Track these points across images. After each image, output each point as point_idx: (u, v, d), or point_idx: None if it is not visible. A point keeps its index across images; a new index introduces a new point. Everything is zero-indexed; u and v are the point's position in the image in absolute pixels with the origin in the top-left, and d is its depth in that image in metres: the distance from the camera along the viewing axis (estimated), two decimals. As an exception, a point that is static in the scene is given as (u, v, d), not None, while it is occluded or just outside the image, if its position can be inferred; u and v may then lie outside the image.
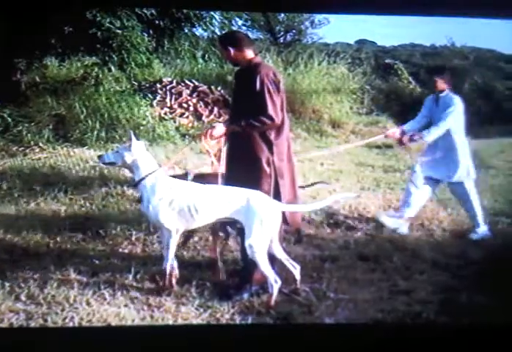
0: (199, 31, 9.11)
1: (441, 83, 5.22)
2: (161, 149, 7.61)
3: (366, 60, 11.43)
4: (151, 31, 8.32)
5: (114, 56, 8.04)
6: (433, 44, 13.79)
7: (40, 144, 7.27)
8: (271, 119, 3.82)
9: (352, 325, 3.71)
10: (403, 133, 5.28)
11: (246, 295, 3.94)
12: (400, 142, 5.26)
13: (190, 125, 8.90)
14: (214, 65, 10.11)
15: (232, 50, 3.94)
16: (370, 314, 3.78)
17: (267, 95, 3.81)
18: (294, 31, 12.71)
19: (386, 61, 12.64)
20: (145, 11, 7.86)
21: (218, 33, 9.07)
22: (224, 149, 4.08)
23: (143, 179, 3.89)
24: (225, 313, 3.74)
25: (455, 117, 5.13)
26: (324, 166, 7.16)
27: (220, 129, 3.92)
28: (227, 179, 3.98)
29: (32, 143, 7.31)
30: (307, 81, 9.46)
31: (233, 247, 4.61)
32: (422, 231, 5.25)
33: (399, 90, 11.52)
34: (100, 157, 4.14)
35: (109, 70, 8.38)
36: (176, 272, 3.98)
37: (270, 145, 3.91)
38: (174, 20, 8.38)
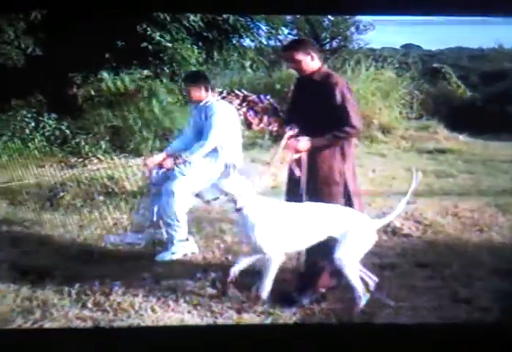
0: (246, 42, 9.21)
1: (195, 92, 4.77)
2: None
3: (413, 64, 11.41)
4: (200, 44, 8.47)
5: (165, 68, 8.24)
6: (480, 47, 13.68)
7: (98, 155, 7.50)
8: (356, 128, 3.83)
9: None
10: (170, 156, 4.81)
11: (306, 301, 3.95)
12: (160, 167, 4.81)
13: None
14: (262, 74, 10.22)
15: (302, 58, 3.85)
16: (430, 321, 3.78)
17: (349, 105, 3.81)
18: (340, 37, 12.75)
19: (434, 65, 12.58)
20: (193, 24, 8.02)
21: (265, 43, 9.24)
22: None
23: (243, 207, 3.79)
24: (287, 320, 3.78)
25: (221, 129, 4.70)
26: (376, 173, 7.17)
27: (305, 144, 3.84)
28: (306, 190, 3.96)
29: (90, 154, 7.58)
30: (355, 87, 9.47)
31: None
32: (481, 237, 5.22)
33: (448, 94, 11.44)
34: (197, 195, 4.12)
35: (161, 82, 8.57)
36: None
37: (343, 156, 3.93)
38: (222, 32, 8.53)
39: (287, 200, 4.02)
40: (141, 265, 4.51)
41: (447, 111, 10.52)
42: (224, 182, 3.81)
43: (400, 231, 5.26)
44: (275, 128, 9.08)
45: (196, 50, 8.28)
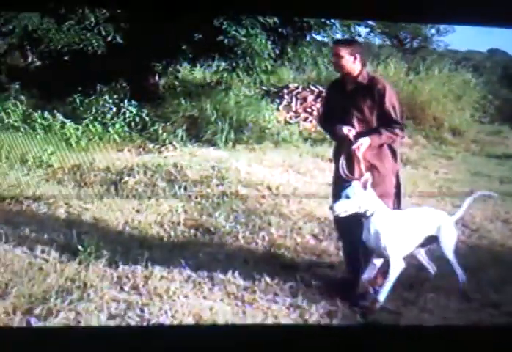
0: (321, 39, 9.31)
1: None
2: (284, 151, 7.94)
3: (492, 69, 11.17)
4: (275, 39, 8.63)
5: (240, 62, 8.45)
6: None
7: (174, 143, 7.82)
8: (403, 130, 4.08)
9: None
10: None
11: (365, 303, 4.06)
12: None
13: (313, 129, 9.18)
14: (335, 71, 10.27)
15: (345, 55, 3.97)
16: (453, 323, 3.87)
17: (397, 108, 4.02)
18: (420, 37, 12.65)
19: (514, 71, 12.28)
20: (268, 20, 8.20)
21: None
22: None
23: (371, 215, 3.92)
24: (313, 314, 3.91)
25: None
26: (438, 175, 7.16)
27: (366, 142, 3.96)
28: None
29: (167, 141, 7.88)
30: (428, 88, 9.43)
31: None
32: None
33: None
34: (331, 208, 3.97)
35: (237, 75, 8.80)
36: None
37: (395, 154, 4.15)
38: (297, 28, 8.66)
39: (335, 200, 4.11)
40: (185, 253, 4.69)
41: (524, 117, 10.28)
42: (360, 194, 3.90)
43: (444, 234, 5.28)
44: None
45: (269, 46, 8.44)
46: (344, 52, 3.98)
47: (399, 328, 3.87)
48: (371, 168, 4.01)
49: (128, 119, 8.18)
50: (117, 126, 7.99)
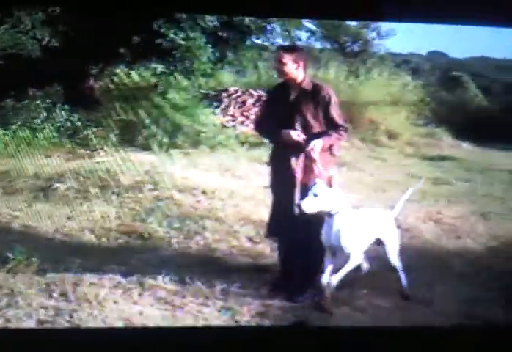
0: (261, 43, 9.30)
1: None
2: (220, 155, 7.88)
3: (430, 71, 11.40)
4: (215, 42, 8.59)
5: (178, 65, 8.38)
6: (505, 57, 13.56)
7: (106, 148, 7.64)
8: (347, 132, 4.19)
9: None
10: None
11: (301, 299, 4.12)
12: None
13: (249, 133, 9.15)
14: (276, 76, 10.29)
15: (288, 62, 4.00)
16: (385, 322, 3.89)
17: (341, 113, 4.13)
18: (361, 41, 12.81)
19: (453, 73, 12.52)
20: (208, 23, 8.16)
21: (281, 43, 9.35)
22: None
23: (335, 213, 3.95)
24: (244, 314, 3.89)
25: None
26: (374, 177, 7.22)
27: (319, 144, 4.02)
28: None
29: (98, 146, 7.70)
30: (367, 91, 9.52)
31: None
32: (457, 243, 5.28)
33: (464, 103, 11.40)
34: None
35: (175, 78, 8.71)
36: None
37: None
38: (237, 32, 8.64)
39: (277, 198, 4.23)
40: (117, 259, 4.61)
41: (459, 119, 10.47)
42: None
43: (377, 235, 5.33)
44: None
45: (209, 49, 8.39)
46: (287, 59, 4.01)
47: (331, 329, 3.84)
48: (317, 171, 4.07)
49: (58, 124, 8.00)
50: (47, 131, 7.80)
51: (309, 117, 4.07)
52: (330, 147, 4.13)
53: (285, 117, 4.11)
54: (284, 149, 4.11)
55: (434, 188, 7.03)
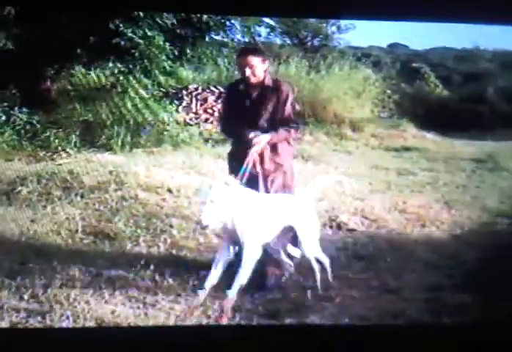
0: (220, 39, 9.26)
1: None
2: (184, 153, 7.83)
3: (391, 64, 11.49)
4: (173, 40, 8.53)
5: (137, 64, 8.31)
6: (464, 47, 13.77)
7: (67, 150, 7.56)
8: (298, 129, 4.23)
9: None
10: None
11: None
12: None
13: (214, 130, 9.14)
14: (237, 72, 10.27)
15: (258, 63, 4.05)
16: (354, 311, 3.90)
17: (295, 107, 4.21)
18: (321, 36, 12.86)
19: (413, 65, 12.65)
20: (166, 21, 8.10)
21: (241, 40, 9.35)
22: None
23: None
24: (215, 311, 3.87)
25: None
26: (338, 170, 7.25)
27: (266, 138, 4.08)
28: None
29: (59, 148, 7.62)
30: (329, 86, 9.56)
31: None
32: (422, 232, 5.35)
33: (424, 93, 11.52)
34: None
35: (134, 77, 8.63)
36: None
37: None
38: (196, 29, 8.60)
39: None
40: (85, 260, 4.57)
41: (421, 110, 10.61)
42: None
43: (345, 226, 5.39)
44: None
45: (168, 47, 8.33)
46: (256, 61, 4.06)
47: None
48: (276, 164, 4.16)
49: (17, 127, 7.86)
50: (6, 135, 7.67)
51: (273, 113, 4.12)
52: (274, 144, 4.14)
53: (249, 114, 4.14)
54: (242, 149, 4.11)
55: (399, 178, 7.09)
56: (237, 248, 3.92)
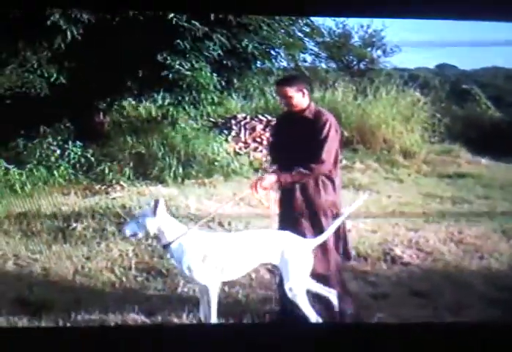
0: (266, 69, 9.29)
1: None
2: (235, 184, 7.84)
3: (440, 86, 11.35)
4: (220, 71, 8.60)
5: (185, 95, 8.40)
6: (515, 67, 13.53)
7: (121, 183, 7.66)
8: (322, 163, 3.96)
9: None
10: None
11: None
12: None
13: (263, 159, 9.14)
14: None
15: (294, 94, 4.00)
16: None
17: (327, 142, 3.96)
18: (367, 59, 12.82)
19: (463, 86, 12.47)
20: (212, 52, 8.18)
21: (287, 67, 9.39)
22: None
23: (171, 243, 3.89)
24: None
25: None
26: (391, 199, 7.15)
27: (270, 179, 3.98)
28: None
29: (114, 181, 7.72)
30: (377, 111, 9.48)
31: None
32: (480, 264, 5.22)
33: (476, 116, 11.31)
34: (120, 230, 4.11)
35: (183, 108, 8.72)
36: None
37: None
38: (242, 59, 8.66)
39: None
40: (138, 298, 4.59)
41: (474, 133, 10.38)
42: (148, 220, 3.89)
43: (399, 259, 5.28)
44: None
45: (215, 78, 8.41)
46: (291, 91, 4.01)
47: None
48: (305, 202, 4.03)
49: (72, 161, 8.01)
50: (62, 168, 7.81)
51: (311, 145, 3.99)
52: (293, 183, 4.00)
53: (291, 146, 4.08)
54: None
55: (453, 207, 6.95)
56: None
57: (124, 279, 5.00)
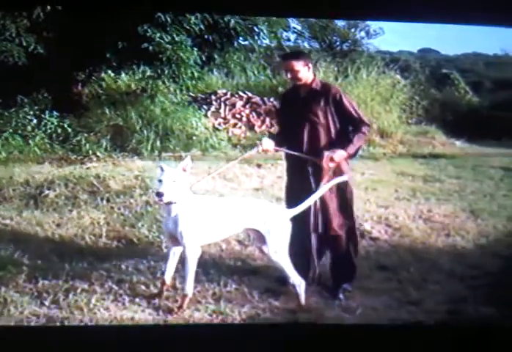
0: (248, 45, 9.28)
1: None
2: (212, 158, 7.85)
3: (420, 69, 11.41)
4: (201, 46, 8.58)
5: (165, 69, 8.37)
6: (495, 53, 13.60)
7: (98, 154, 7.65)
8: (368, 124, 4.25)
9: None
10: None
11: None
12: None
13: (242, 135, 9.16)
14: (264, 77, 10.32)
15: (301, 68, 4.09)
16: (374, 322, 3.89)
17: (357, 108, 4.22)
18: (350, 41, 12.82)
19: (443, 71, 12.53)
20: (194, 26, 8.15)
21: (270, 45, 9.38)
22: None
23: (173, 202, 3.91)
24: (235, 320, 3.90)
25: None
26: (364, 176, 7.22)
27: (341, 154, 4.09)
28: None
29: (90, 152, 7.70)
30: (357, 92, 9.51)
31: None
32: (446, 241, 5.29)
33: (454, 100, 11.40)
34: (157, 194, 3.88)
35: (163, 82, 8.69)
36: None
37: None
38: (224, 35, 8.63)
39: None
40: (107, 265, 4.60)
41: (450, 116, 10.50)
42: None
43: (368, 234, 5.35)
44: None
45: (195, 52, 8.39)
46: (298, 66, 4.10)
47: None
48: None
49: (49, 131, 7.97)
50: (38, 138, 7.79)
51: (320, 115, 4.14)
52: (357, 151, 4.19)
53: (298, 117, 4.20)
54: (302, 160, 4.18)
55: (425, 185, 7.02)
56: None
57: (94, 246, 5.02)
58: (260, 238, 4.08)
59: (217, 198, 4.34)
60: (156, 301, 4.06)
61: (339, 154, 4.07)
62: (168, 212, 3.96)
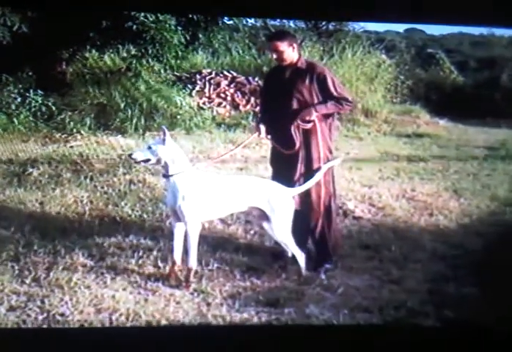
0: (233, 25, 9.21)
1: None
2: (197, 138, 7.83)
3: (406, 49, 11.37)
4: (185, 25, 8.50)
5: (149, 48, 8.30)
6: (481, 33, 13.53)
7: (82, 132, 7.59)
8: (351, 104, 4.30)
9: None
10: None
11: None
12: None
13: (227, 114, 9.13)
14: (249, 57, 10.26)
15: (285, 48, 4.12)
16: (356, 302, 3.91)
17: (340, 86, 4.31)
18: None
19: (429, 50, 12.48)
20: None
21: (255, 24, 9.31)
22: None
23: (173, 175, 4.01)
24: (217, 297, 3.94)
25: None
26: (349, 155, 7.22)
27: (310, 112, 4.16)
28: None
29: (75, 131, 7.62)
30: (341, 71, 9.47)
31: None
32: (429, 221, 5.32)
33: (439, 80, 11.37)
34: (130, 155, 4.12)
35: (147, 61, 8.62)
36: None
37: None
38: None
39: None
40: (89, 243, 4.62)
41: (435, 96, 10.47)
42: (160, 147, 4.01)
43: (351, 213, 5.38)
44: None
45: (179, 32, 8.31)
46: (283, 46, 4.14)
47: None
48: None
49: (33, 109, 7.89)
50: (22, 116, 7.70)
51: (305, 93, 4.19)
52: (327, 116, 4.25)
53: (283, 95, 4.23)
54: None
55: (408, 165, 7.04)
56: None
57: (76, 224, 5.02)
58: (263, 217, 4.16)
59: (221, 175, 4.38)
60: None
61: (307, 110, 4.16)
62: (167, 186, 4.08)
